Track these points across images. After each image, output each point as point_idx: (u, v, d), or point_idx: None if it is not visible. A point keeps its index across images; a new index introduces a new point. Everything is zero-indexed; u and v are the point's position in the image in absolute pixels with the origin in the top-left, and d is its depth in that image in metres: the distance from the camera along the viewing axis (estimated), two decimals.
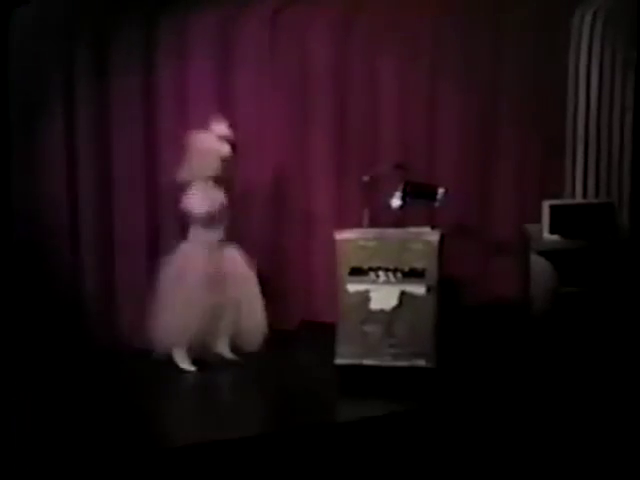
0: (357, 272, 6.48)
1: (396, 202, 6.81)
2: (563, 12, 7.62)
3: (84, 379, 6.58)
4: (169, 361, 6.78)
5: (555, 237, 7.16)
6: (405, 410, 6.08)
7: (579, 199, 7.80)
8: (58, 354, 6.72)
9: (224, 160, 6.64)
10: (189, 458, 5.51)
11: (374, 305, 6.51)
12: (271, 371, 6.83)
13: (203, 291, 6.69)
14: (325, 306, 7.21)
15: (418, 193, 6.92)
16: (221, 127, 6.67)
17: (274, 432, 5.82)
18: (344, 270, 6.48)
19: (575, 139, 7.78)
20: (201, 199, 6.58)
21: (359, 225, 6.82)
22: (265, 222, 7.52)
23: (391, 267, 6.46)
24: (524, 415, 5.90)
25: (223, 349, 6.80)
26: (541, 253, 7.17)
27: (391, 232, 6.61)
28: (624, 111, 7.67)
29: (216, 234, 6.71)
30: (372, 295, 6.52)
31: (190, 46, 7.22)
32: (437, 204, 6.82)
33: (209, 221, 6.62)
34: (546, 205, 7.16)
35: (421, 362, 6.39)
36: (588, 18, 7.56)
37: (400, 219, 6.86)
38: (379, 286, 6.48)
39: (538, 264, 6.99)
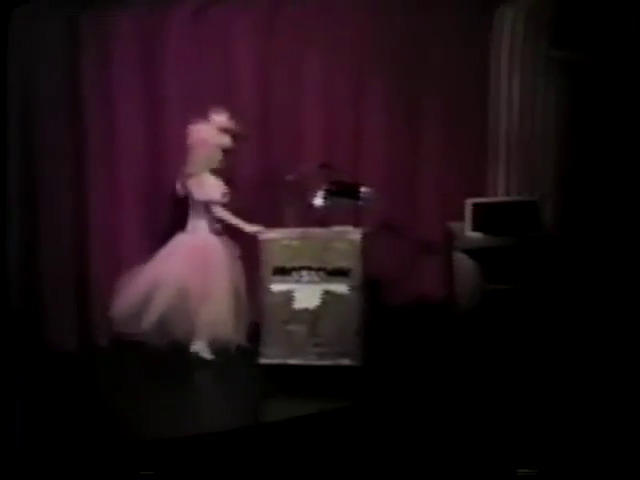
0: (281, 272, 6.50)
1: (319, 201, 6.80)
2: (484, 11, 7.70)
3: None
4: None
5: (479, 235, 7.20)
6: (330, 409, 6.05)
7: (502, 197, 7.82)
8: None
9: (224, 151, 6.80)
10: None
11: (298, 305, 6.52)
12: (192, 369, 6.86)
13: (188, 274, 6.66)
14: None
15: (341, 192, 6.93)
16: (221, 118, 6.80)
17: (200, 435, 5.73)
18: (267, 270, 6.48)
19: (498, 138, 7.81)
20: (206, 188, 6.73)
21: (283, 225, 6.79)
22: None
23: (315, 266, 6.47)
24: (449, 413, 5.92)
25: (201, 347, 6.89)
26: (465, 251, 7.22)
27: (315, 231, 6.60)
28: (546, 109, 7.64)
29: (211, 224, 6.83)
30: (296, 295, 6.54)
31: (112, 45, 7.10)
32: (361, 203, 6.85)
33: (212, 209, 6.79)
34: (469, 203, 7.20)
35: (346, 361, 6.40)
36: (509, 17, 7.66)
37: (325, 218, 6.84)
38: (303, 286, 6.49)
39: (462, 262, 7.05)
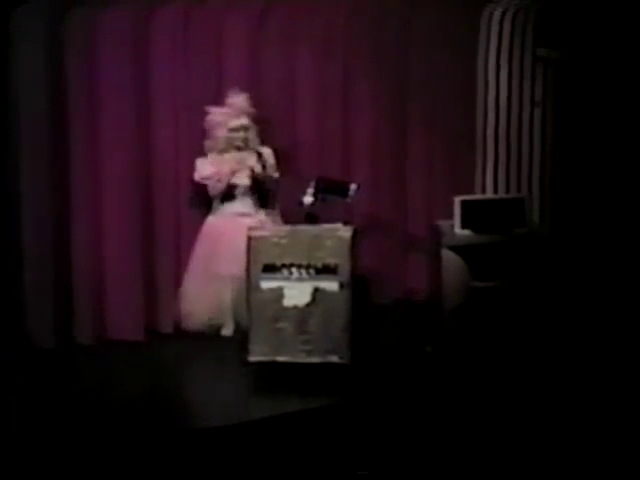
0: (270, 269, 6.48)
1: (308, 199, 6.85)
2: (471, 11, 7.75)
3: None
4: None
5: (466, 232, 7.20)
6: (318, 406, 6.06)
7: (490, 194, 7.91)
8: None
9: (234, 130, 7.01)
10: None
11: (287, 302, 6.49)
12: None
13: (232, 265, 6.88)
14: None
15: (329, 189, 6.95)
16: (234, 99, 7.04)
17: (187, 430, 5.78)
18: (257, 267, 6.47)
19: (485, 136, 7.89)
20: (203, 166, 7.01)
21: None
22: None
23: (304, 264, 6.46)
24: (437, 410, 5.95)
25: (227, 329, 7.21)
26: (453, 248, 7.21)
27: (304, 229, 6.62)
28: (533, 107, 7.73)
29: (237, 206, 7.10)
30: (285, 292, 6.51)
31: (100, 43, 7.13)
32: (349, 200, 6.89)
33: (213, 190, 7.02)
34: (457, 201, 7.22)
35: (334, 358, 6.41)
36: (497, 16, 7.71)
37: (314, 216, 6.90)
38: (292, 283, 6.49)
39: (450, 259, 7.06)
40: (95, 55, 7.27)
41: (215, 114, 7.06)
